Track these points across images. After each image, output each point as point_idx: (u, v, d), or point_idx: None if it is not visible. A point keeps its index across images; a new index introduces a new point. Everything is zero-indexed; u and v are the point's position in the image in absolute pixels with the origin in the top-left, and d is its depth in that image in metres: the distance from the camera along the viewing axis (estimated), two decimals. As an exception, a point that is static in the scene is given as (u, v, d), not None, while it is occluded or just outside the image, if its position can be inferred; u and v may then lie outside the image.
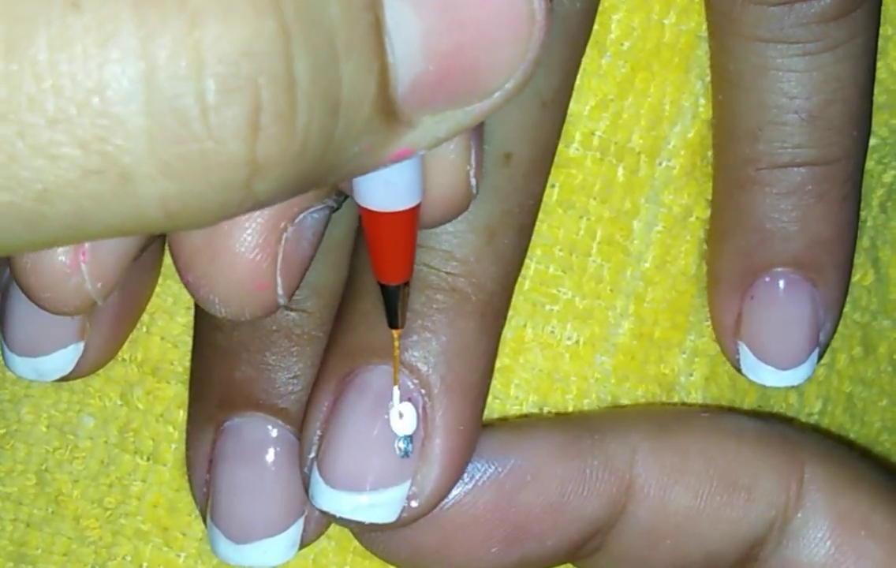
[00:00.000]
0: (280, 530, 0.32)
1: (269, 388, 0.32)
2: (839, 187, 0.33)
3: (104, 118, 0.19)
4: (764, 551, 0.32)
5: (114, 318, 0.33)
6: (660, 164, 0.34)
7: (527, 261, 0.33)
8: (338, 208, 0.27)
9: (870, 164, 0.35)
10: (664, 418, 0.33)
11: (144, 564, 0.34)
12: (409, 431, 0.29)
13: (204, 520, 0.32)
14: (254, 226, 0.26)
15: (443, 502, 0.30)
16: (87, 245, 0.26)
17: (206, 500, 0.32)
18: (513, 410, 0.34)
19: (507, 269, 0.31)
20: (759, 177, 0.33)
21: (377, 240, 0.25)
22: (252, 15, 0.19)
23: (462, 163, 0.26)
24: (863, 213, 0.36)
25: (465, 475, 0.30)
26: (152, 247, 0.33)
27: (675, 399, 0.35)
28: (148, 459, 0.34)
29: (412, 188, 0.24)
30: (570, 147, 0.33)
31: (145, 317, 0.34)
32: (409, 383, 0.30)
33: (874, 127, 0.35)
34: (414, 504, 0.30)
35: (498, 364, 0.32)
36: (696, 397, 0.35)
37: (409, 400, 0.29)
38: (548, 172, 0.32)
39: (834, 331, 0.35)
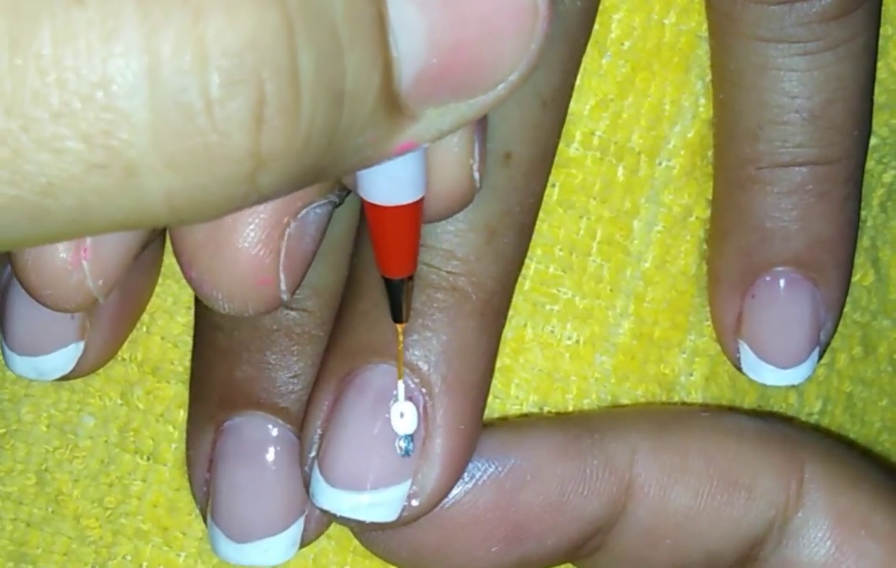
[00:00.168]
0: (280, 529, 0.32)
1: (269, 387, 0.32)
2: (840, 187, 0.33)
3: (108, 112, 0.19)
4: (764, 551, 0.32)
5: (114, 317, 0.33)
6: (660, 163, 0.34)
7: (527, 260, 0.33)
8: (340, 203, 0.27)
9: (870, 163, 0.35)
10: (664, 418, 0.33)
11: (144, 564, 0.34)
12: (410, 430, 0.29)
13: (204, 519, 0.32)
14: (257, 221, 0.26)
15: (443, 502, 0.30)
16: (88, 242, 0.26)
17: (207, 499, 0.32)
18: (513, 409, 0.34)
19: (507, 268, 0.31)
20: (759, 176, 0.33)
21: (381, 234, 0.25)
22: (255, 8, 0.19)
23: (465, 157, 0.26)
24: (863, 213, 0.36)
25: (466, 475, 0.30)
26: (153, 246, 0.33)
27: (675, 399, 0.35)
28: (148, 459, 0.34)
29: (415, 182, 0.25)
30: (571, 147, 0.33)
31: (145, 316, 0.34)
32: (410, 382, 0.30)
33: (874, 127, 0.35)
34: (414, 503, 0.30)
35: (498, 364, 0.32)
36: (696, 397, 0.35)
37: (410, 399, 0.29)
38: (548, 172, 0.32)
39: (835, 330, 0.35)
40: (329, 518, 0.31)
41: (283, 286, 0.26)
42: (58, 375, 0.33)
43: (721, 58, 0.33)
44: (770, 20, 0.32)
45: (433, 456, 0.30)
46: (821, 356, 0.34)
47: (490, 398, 0.32)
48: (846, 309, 0.35)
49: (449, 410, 0.30)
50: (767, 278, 0.34)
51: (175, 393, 0.34)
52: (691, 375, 0.35)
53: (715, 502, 0.32)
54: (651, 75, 0.33)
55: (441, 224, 0.30)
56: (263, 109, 0.19)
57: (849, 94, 0.33)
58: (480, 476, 0.31)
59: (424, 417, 0.30)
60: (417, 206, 0.25)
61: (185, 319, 0.34)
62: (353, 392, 0.30)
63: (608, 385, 0.34)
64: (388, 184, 0.24)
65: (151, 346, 0.34)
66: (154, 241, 0.31)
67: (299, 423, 0.31)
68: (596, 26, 0.32)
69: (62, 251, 0.26)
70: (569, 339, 0.34)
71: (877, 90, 0.34)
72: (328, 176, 0.22)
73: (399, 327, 0.28)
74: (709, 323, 0.35)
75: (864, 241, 0.36)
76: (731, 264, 0.34)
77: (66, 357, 0.33)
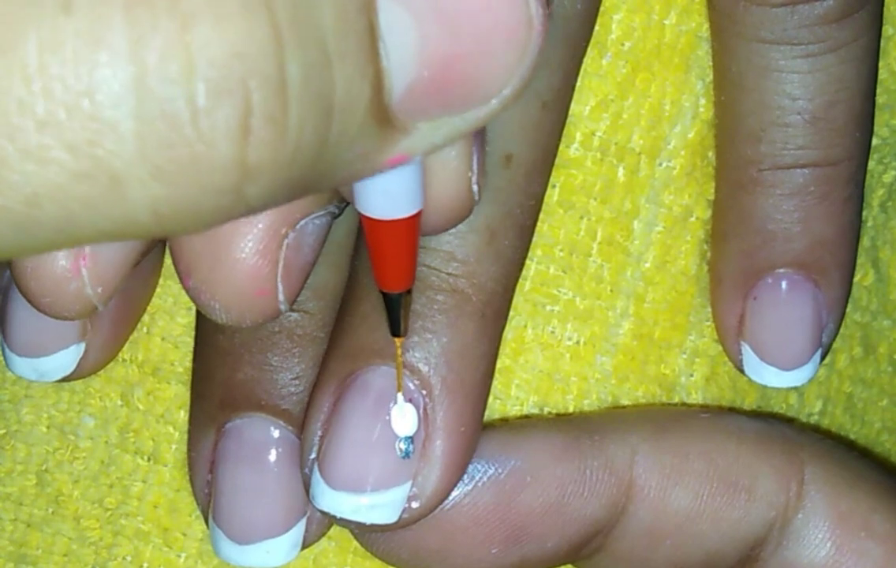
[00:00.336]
0: (282, 531, 0.32)
1: (270, 389, 0.32)
2: (842, 188, 0.33)
3: (94, 122, 0.18)
4: (764, 552, 0.32)
5: (114, 318, 0.33)
6: (660, 164, 0.34)
7: (527, 261, 0.33)
8: (339, 214, 0.27)
9: (870, 164, 0.35)
10: (664, 419, 0.33)
11: (145, 565, 0.34)
12: (410, 432, 0.29)
13: (206, 521, 0.32)
14: (255, 232, 0.26)
15: (443, 503, 0.30)
16: (87, 250, 0.26)
17: (209, 501, 0.32)
18: (513, 410, 0.34)
19: (507, 269, 0.31)
20: (761, 178, 0.33)
21: (378, 248, 0.25)
22: (243, 17, 0.19)
23: (464, 169, 0.26)
24: (863, 213, 0.35)
25: (466, 476, 0.30)
26: (153, 250, 0.33)
27: (676, 399, 0.35)
28: (148, 460, 0.34)
29: (413, 196, 0.24)
30: (571, 147, 0.33)
31: (146, 317, 0.34)
32: (410, 384, 0.30)
33: (875, 127, 0.35)
34: (415, 505, 0.30)
35: (499, 364, 0.32)
36: (696, 398, 0.35)
37: (410, 401, 0.29)
38: (548, 173, 0.32)
39: (836, 331, 0.35)
40: (330, 519, 0.31)
41: (281, 297, 0.26)
42: (58, 377, 0.33)
43: (723, 60, 0.33)
44: (772, 22, 0.32)
45: (433, 458, 0.30)
46: (823, 358, 0.34)
47: (490, 399, 0.32)
48: (846, 309, 0.35)
49: (449, 412, 0.30)
50: (769, 280, 0.34)
51: (175, 394, 0.34)
52: (692, 375, 0.35)
53: (715, 504, 0.32)
54: (651, 76, 0.33)
55: (441, 226, 0.30)
56: (250, 120, 0.19)
57: (851, 95, 0.33)
58: (480, 478, 0.31)
59: (425, 418, 0.30)
60: (414, 220, 0.25)
61: (185, 319, 0.34)
62: (353, 394, 0.30)
63: (608, 386, 0.34)
64: (384, 197, 0.24)
65: (152, 347, 0.34)
66: (154, 248, 0.31)
67: (300, 424, 0.31)
68: (596, 27, 0.32)
69: (61, 259, 0.26)
70: (569, 339, 0.34)
71: (877, 90, 0.34)
72: (318, 188, 0.21)
73: (397, 341, 0.28)
74: (709, 323, 0.35)
75: (864, 242, 0.36)
76: (733, 266, 0.34)
77: (66, 358, 0.33)
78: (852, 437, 0.37)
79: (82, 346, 0.33)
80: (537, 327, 0.34)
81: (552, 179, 0.33)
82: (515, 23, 0.21)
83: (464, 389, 0.30)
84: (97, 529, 0.34)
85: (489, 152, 0.30)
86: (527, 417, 0.34)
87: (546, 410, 0.34)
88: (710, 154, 0.34)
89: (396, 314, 0.27)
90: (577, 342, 0.34)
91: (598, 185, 0.33)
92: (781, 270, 0.34)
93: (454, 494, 0.30)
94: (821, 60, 0.32)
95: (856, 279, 0.36)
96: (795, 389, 0.36)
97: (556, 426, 0.32)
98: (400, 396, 0.29)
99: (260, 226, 0.26)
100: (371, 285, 0.30)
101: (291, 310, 0.31)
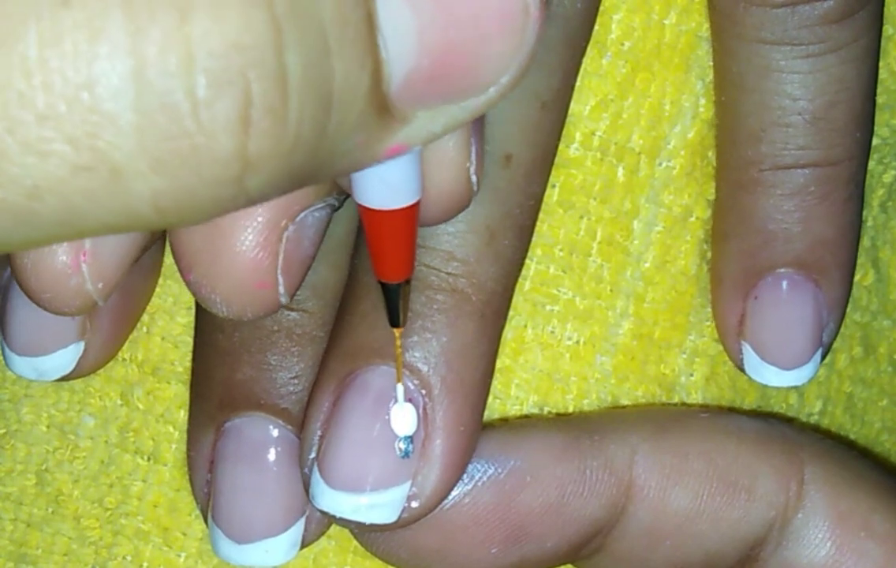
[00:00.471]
0: (281, 530, 0.32)
1: (270, 388, 0.32)
2: (842, 188, 0.33)
3: (94, 114, 0.18)
4: (764, 552, 0.32)
5: (114, 317, 0.33)
6: (660, 164, 0.34)
7: (527, 261, 0.33)
8: (339, 207, 0.27)
9: (870, 164, 0.35)
10: (664, 419, 0.33)
11: (145, 564, 0.34)
12: (410, 432, 0.29)
13: (205, 520, 0.32)
14: (255, 225, 0.26)
15: (443, 503, 0.30)
16: (87, 245, 0.26)
17: (208, 500, 0.32)
18: (513, 410, 0.34)
19: (507, 269, 0.31)
20: (762, 178, 0.33)
21: (377, 238, 0.25)
22: (242, 9, 0.19)
23: (462, 159, 0.26)
24: (863, 213, 0.35)
25: (465, 476, 0.30)
26: (153, 247, 0.33)
27: (676, 399, 0.35)
28: (148, 459, 0.34)
29: (411, 186, 0.24)
30: (571, 147, 0.33)
31: (146, 317, 0.34)
32: (410, 384, 0.29)
33: (875, 127, 0.35)
34: (414, 505, 0.30)
35: (498, 364, 0.32)
36: (696, 397, 0.35)
37: (410, 400, 0.29)
38: (548, 173, 0.32)
39: (837, 331, 0.35)
40: (330, 519, 0.31)
41: (281, 289, 0.26)
42: (58, 376, 0.33)
43: (723, 60, 0.33)
44: (773, 23, 0.32)
45: (433, 457, 0.30)
46: (823, 357, 0.34)
47: (490, 399, 0.32)
48: (846, 309, 0.35)
49: (448, 412, 0.30)
50: (770, 280, 0.34)
51: (175, 393, 0.34)
52: (691, 375, 0.35)
53: (715, 504, 0.32)
54: (651, 76, 0.33)
55: (441, 225, 0.30)
56: (250, 111, 0.19)
57: (851, 96, 0.33)
58: (480, 477, 0.31)
59: (424, 418, 0.30)
60: (413, 210, 0.25)
61: (185, 319, 0.34)
62: (352, 393, 0.30)
63: (608, 385, 0.34)
64: (383, 187, 0.24)
65: (152, 346, 0.34)
66: (154, 243, 0.31)
67: (300, 423, 0.31)
68: (596, 27, 0.32)
69: (61, 254, 0.26)
70: (569, 339, 0.34)
71: (877, 90, 0.34)
72: (318, 179, 0.21)
73: (396, 332, 0.28)
74: (709, 323, 0.35)
75: (864, 241, 0.36)
76: (733, 266, 0.34)
77: (66, 357, 0.33)
78: (852, 437, 0.37)
79: (82, 345, 0.33)
80: (537, 327, 0.34)
81: (552, 179, 0.33)
82: (512, 11, 0.21)
83: (463, 389, 0.30)
84: (97, 529, 0.34)
85: (489, 152, 0.30)
86: (527, 416, 0.34)
87: (546, 409, 0.34)
88: (710, 154, 0.34)
89: (395, 305, 0.27)
90: (577, 342, 0.34)
91: (597, 185, 0.33)
92: (782, 270, 0.34)
93: (454, 493, 0.30)
94: (821, 61, 0.32)
95: (856, 279, 0.36)
96: (795, 388, 0.36)
97: (555, 426, 0.32)
98: (400, 392, 0.29)
99: (260, 219, 0.26)
100: (370, 284, 0.30)
101: (291, 309, 0.31)
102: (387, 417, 0.29)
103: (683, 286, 0.34)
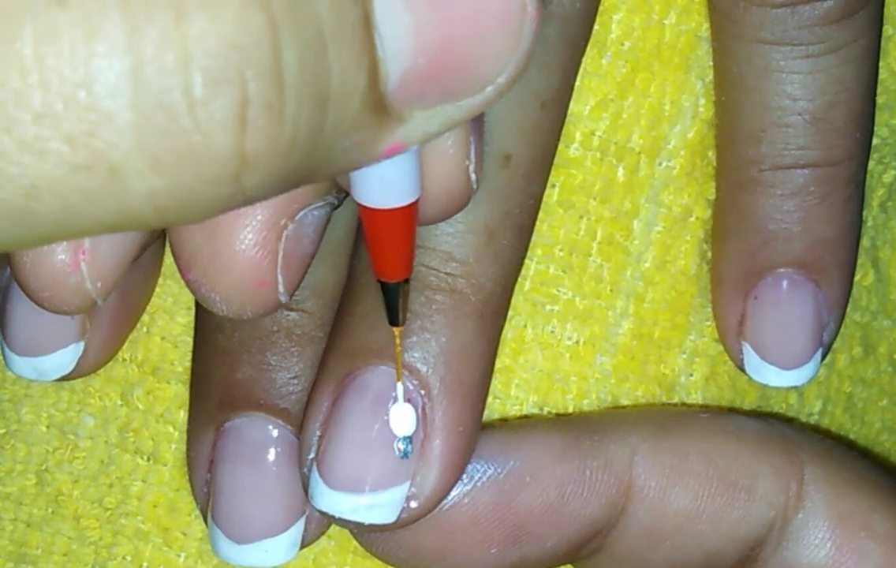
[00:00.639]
0: (281, 530, 0.32)
1: (269, 388, 0.32)
2: (842, 188, 0.33)
3: (91, 113, 0.18)
4: (764, 552, 0.32)
5: (114, 317, 0.33)
6: (660, 164, 0.34)
7: (527, 261, 0.33)
8: (339, 205, 0.27)
9: (870, 164, 0.35)
10: (664, 419, 0.33)
11: (144, 564, 0.34)
12: (409, 432, 0.29)
13: (205, 520, 0.32)
14: (254, 223, 0.26)
15: (442, 503, 0.30)
16: (86, 244, 0.26)
17: (207, 500, 0.32)
18: (513, 410, 0.34)
19: (506, 269, 0.31)
20: (762, 178, 0.33)
21: (376, 237, 0.25)
22: (239, 7, 0.19)
23: (461, 158, 0.26)
24: (863, 213, 0.35)
25: (465, 476, 0.30)
26: (153, 246, 0.33)
27: (675, 399, 0.35)
28: (148, 459, 0.34)
29: (409, 185, 0.24)
30: (570, 147, 0.33)
31: (145, 317, 0.34)
32: (409, 384, 0.29)
33: (875, 127, 0.35)
34: (413, 505, 0.30)
35: (498, 364, 0.32)
36: (696, 397, 0.35)
37: (409, 401, 0.29)
38: (548, 173, 0.32)
39: (837, 331, 0.35)
40: (329, 519, 0.31)
41: (281, 288, 0.26)
42: (58, 376, 0.33)
43: (723, 60, 0.33)
44: (772, 23, 0.32)
45: (432, 458, 0.30)
46: (824, 357, 0.34)
47: (490, 399, 0.32)
48: (846, 309, 0.35)
49: (448, 412, 0.30)
50: (770, 280, 0.34)
51: (175, 393, 0.34)
52: (691, 375, 0.35)
53: (715, 504, 0.32)
54: (651, 75, 0.33)
55: (440, 225, 0.30)
56: (247, 109, 0.19)
57: (851, 96, 0.33)
58: (480, 478, 0.31)
59: (423, 418, 0.30)
60: (412, 208, 0.25)
61: (185, 319, 0.34)
62: (351, 393, 0.30)
63: (608, 385, 0.34)
64: (381, 186, 0.24)
65: (151, 346, 0.34)
66: (153, 242, 0.31)
67: (299, 424, 0.31)
68: (596, 26, 0.32)
69: (60, 253, 0.26)
70: (569, 339, 0.34)
71: (877, 90, 0.34)
72: (315, 178, 0.21)
73: (396, 331, 0.28)
74: (709, 323, 0.35)
75: (864, 241, 0.36)
76: (733, 266, 0.34)
77: (66, 357, 0.33)
78: (852, 437, 0.37)
79: (81, 345, 0.33)
80: (537, 327, 0.34)
81: (552, 179, 0.33)
82: (509, 9, 0.21)
83: (462, 389, 0.30)
84: (97, 529, 0.34)
85: (488, 152, 0.30)
86: (526, 416, 0.34)
87: (546, 409, 0.34)
88: (710, 154, 0.34)
89: (395, 304, 0.27)
90: (577, 342, 0.34)
91: (597, 185, 0.33)
92: (782, 270, 0.34)
93: (453, 493, 0.30)
94: (821, 61, 0.32)
95: (856, 279, 0.36)
96: (795, 388, 0.36)
97: (555, 426, 0.32)
98: (399, 391, 0.29)
99: (259, 217, 0.26)
100: (370, 285, 0.30)
101: (290, 309, 0.31)
102: (386, 417, 0.29)
103: (683, 286, 0.34)
